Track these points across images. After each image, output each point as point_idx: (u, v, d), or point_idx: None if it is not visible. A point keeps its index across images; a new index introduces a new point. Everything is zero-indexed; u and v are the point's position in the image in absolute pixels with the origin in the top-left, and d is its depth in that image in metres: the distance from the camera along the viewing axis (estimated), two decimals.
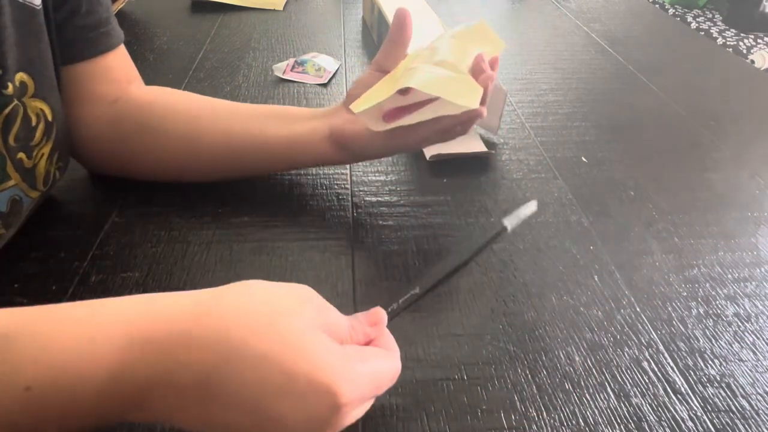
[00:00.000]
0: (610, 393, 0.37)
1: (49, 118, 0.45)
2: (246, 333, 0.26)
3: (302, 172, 0.56)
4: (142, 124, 0.51)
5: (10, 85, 0.41)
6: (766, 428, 0.35)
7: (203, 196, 0.52)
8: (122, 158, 0.52)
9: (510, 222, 0.35)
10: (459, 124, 0.45)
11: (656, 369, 0.39)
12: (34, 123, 0.43)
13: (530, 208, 0.36)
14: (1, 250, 0.45)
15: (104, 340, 0.26)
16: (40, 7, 0.43)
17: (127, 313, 0.27)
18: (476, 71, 0.43)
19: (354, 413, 0.28)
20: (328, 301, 0.31)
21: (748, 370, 0.39)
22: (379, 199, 0.53)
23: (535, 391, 0.37)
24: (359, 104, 0.43)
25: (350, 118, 0.47)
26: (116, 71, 0.52)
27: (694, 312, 0.43)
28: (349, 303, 0.42)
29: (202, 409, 0.25)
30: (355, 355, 0.29)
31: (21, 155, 0.43)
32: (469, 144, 0.62)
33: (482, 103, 0.42)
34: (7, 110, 0.41)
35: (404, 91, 0.43)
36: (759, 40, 2.70)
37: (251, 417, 0.25)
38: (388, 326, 0.33)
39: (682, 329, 0.42)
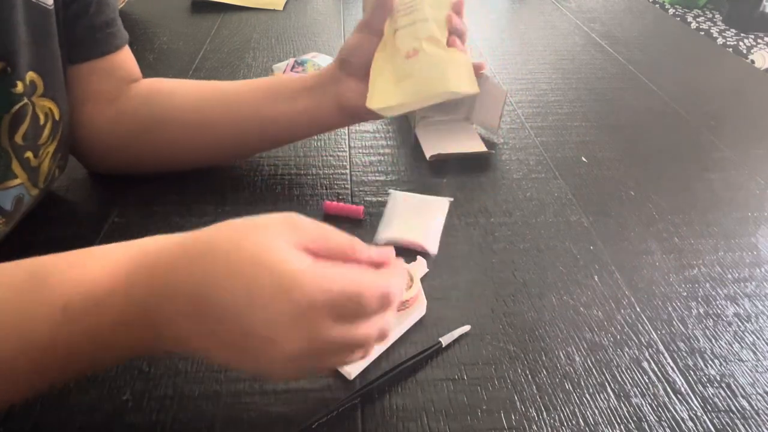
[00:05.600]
0: (610, 393, 0.37)
1: (57, 117, 0.45)
2: (226, 247, 0.28)
3: (303, 173, 0.56)
4: (145, 122, 0.51)
5: (20, 84, 0.41)
6: (766, 428, 0.35)
7: (203, 196, 0.52)
8: (127, 155, 0.52)
9: (444, 339, 0.39)
10: None
11: (656, 369, 0.39)
12: (42, 122, 0.44)
13: (463, 329, 0.40)
14: (2, 249, 0.45)
15: (118, 269, 0.30)
16: (52, 7, 0.43)
17: (132, 248, 0.32)
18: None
19: (333, 333, 0.27)
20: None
21: (748, 370, 0.39)
22: (379, 199, 0.53)
23: (535, 391, 0.37)
24: (373, 100, 0.46)
25: (354, 87, 0.48)
26: (121, 71, 0.52)
27: (694, 312, 0.43)
28: None
29: (202, 326, 0.28)
30: (331, 264, 0.28)
31: (28, 154, 0.43)
32: (469, 144, 0.62)
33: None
34: (15, 108, 0.41)
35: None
36: (759, 40, 2.70)
37: (240, 322, 0.27)
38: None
39: (682, 329, 0.42)
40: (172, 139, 0.51)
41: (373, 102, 0.46)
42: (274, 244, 0.27)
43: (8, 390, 0.29)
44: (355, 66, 0.48)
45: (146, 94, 0.52)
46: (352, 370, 0.37)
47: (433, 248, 0.47)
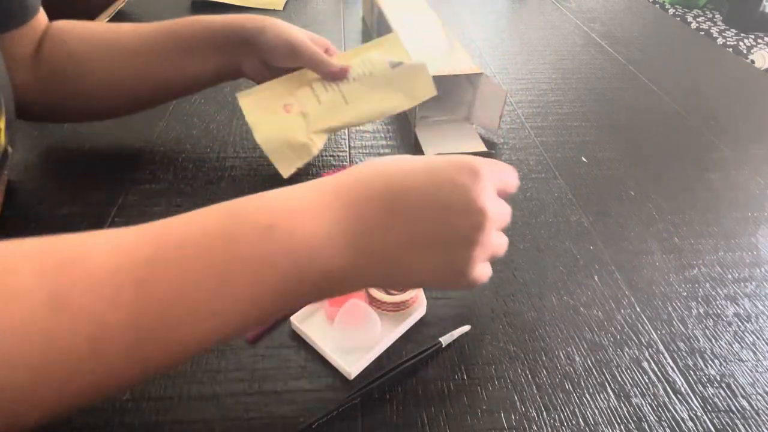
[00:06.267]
0: (610, 393, 0.37)
1: None
2: (393, 168, 0.32)
3: (302, 172, 0.56)
4: (64, 76, 0.52)
5: None
6: (766, 428, 0.35)
7: (203, 196, 0.53)
8: (51, 98, 0.54)
9: (444, 340, 0.39)
10: None
11: (656, 369, 0.39)
12: None
13: (463, 329, 0.40)
14: None
15: (317, 194, 0.31)
16: None
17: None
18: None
19: (492, 213, 0.32)
20: None
21: (748, 370, 0.39)
22: None
23: (535, 391, 0.37)
24: (283, 168, 0.55)
25: (260, 69, 0.55)
26: (35, 32, 0.52)
27: (694, 312, 0.43)
28: None
29: (402, 236, 0.31)
30: None
31: None
32: (469, 144, 0.62)
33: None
34: None
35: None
36: (759, 40, 2.70)
37: (434, 221, 0.31)
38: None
39: (682, 329, 0.42)
40: (90, 96, 0.53)
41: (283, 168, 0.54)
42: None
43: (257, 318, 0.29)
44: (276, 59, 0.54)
45: (59, 36, 0.53)
46: (352, 370, 0.37)
47: None
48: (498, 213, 0.33)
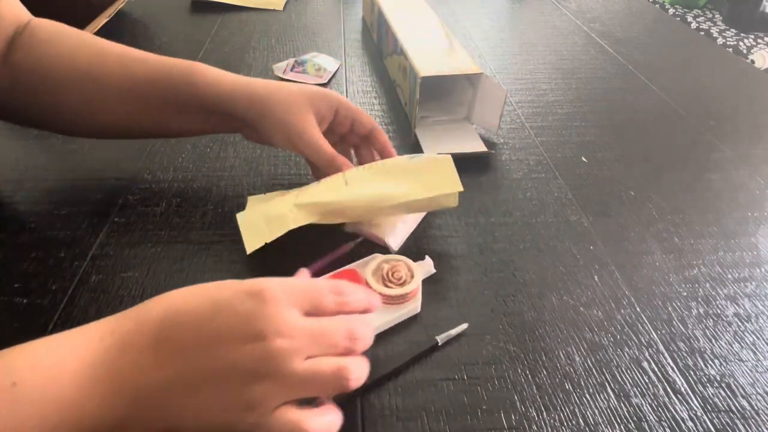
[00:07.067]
0: (610, 393, 0.37)
1: None
2: (177, 295, 0.30)
3: (302, 172, 0.56)
4: (36, 88, 0.47)
5: None
6: (766, 428, 0.35)
7: (204, 197, 0.53)
8: (15, 106, 0.49)
9: (441, 338, 0.39)
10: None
11: (656, 369, 0.39)
12: None
13: (460, 328, 0.40)
14: (1, 250, 0.45)
15: (79, 339, 0.28)
16: None
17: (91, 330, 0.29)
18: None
19: (295, 344, 0.28)
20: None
21: (748, 370, 0.39)
22: None
23: (535, 391, 0.37)
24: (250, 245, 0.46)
25: (261, 138, 0.50)
26: (3, 21, 0.47)
27: (694, 312, 0.43)
28: None
29: (174, 371, 0.27)
30: None
31: None
32: (469, 144, 0.62)
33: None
34: None
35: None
36: (759, 40, 2.71)
37: (206, 353, 0.27)
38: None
39: (682, 329, 0.42)
40: (61, 113, 0.48)
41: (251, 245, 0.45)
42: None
43: None
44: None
45: (43, 63, 0.47)
46: None
47: (394, 244, 0.47)
48: (298, 338, 0.28)
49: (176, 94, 0.48)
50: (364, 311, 0.32)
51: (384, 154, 0.52)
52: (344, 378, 0.28)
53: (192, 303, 0.29)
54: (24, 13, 0.49)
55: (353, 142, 0.54)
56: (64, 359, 0.27)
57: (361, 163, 0.54)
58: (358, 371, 0.29)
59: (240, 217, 0.47)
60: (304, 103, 0.47)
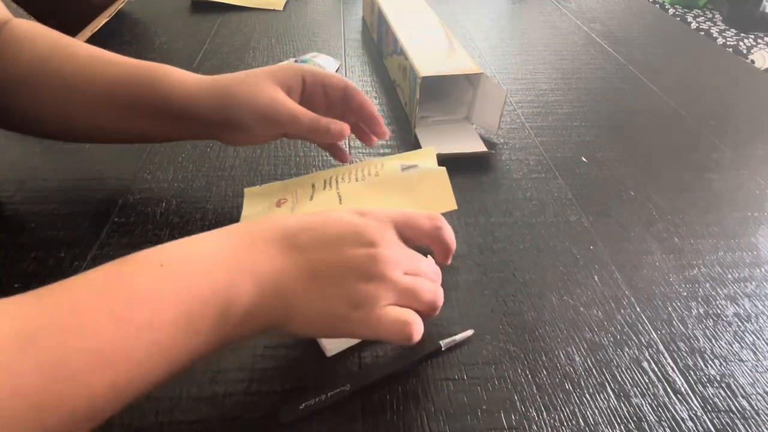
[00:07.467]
0: (610, 393, 0.37)
1: None
2: (290, 217, 0.34)
3: (303, 172, 0.56)
4: (14, 90, 0.46)
5: None
6: (766, 428, 0.35)
7: (204, 197, 0.53)
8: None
9: (445, 343, 0.39)
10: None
11: (656, 369, 0.39)
12: None
13: (465, 334, 0.40)
14: (1, 250, 0.45)
15: (215, 236, 0.32)
16: None
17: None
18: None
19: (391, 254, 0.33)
20: None
21: (748, 370, 0.39)
22: None
23: (535, 391, 0.37)
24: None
25: (242, 137, 0.47)
26: None
27: (694, 312, 0.43)
28: None
29: (293, 259, 0.31)
30: None
31: None
32: (469, 144, 0.62)
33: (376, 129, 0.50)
34: None
35: None
36: (759, 40, 2.71)
37: (325, 251, 0.32)
38: (309, 419, 0.34)
39: (682, 329, 0.42)
40: (40, 120, 0.47)
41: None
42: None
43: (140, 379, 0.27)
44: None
45: (12, 42, 0.46)
46: (331, 347, 0.38)
47: None
48: (400, 254, 0.33)
49: (139, 97, 0.46)
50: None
51: (363, 117, 0.49)
52: (436, 305, 0.34)
53: (308, 218, 0.33)
54: (3, 13, 0.48)
55: (338, 114, 0.50)
56: (205, 248, 0.30)
57: (357, 136, 0.53)
58: (441, 297, 0.35)
59: None
60: (266, 79, 0.45)
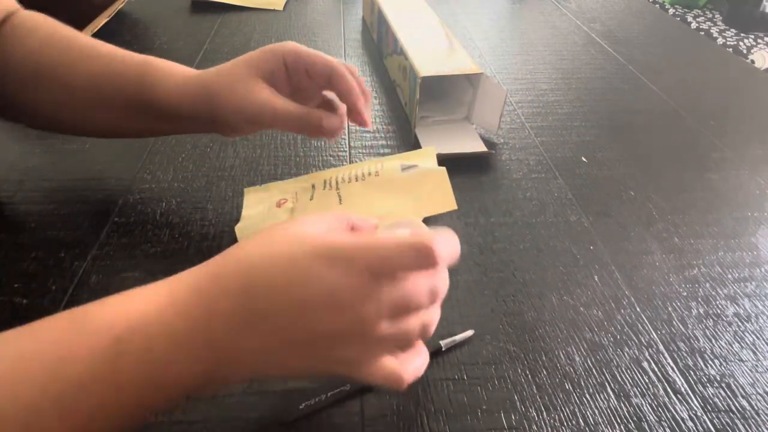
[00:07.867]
0: (610, 393, 0.37)
1: None
2: (255, 259, 0.29)
3: (303, 172, 0.56)
4: (13, 80, 0.46)
5: None
6: (766, 428, 0.35)
7: (204, 197, 0.53)
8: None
9: (445, 343, 0.39)
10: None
11: (656, 369, 0.39)
12: None
13: (465, 334, 0.40)
14: (1, 250, 0.45)
15: (159, 290, 0.29)
16: None
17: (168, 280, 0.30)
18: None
19: (384, 297, 0.27)
20: None
21: (748, 370, 0.39)
22: None
23: (535, 391, 0.37)
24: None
25: (231, 133, 0.46)
26: None
27: (694, 312, 0.43)
28: None
29: (260, 323, 0.27)
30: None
31: None
32: (469, 144, 0.62)
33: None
34: None
35: None
36: (759, 40, 2.71)
37: (298, 320, 0.27)
38: (309, 419, 0.34)
39: (682, 329, 0.42)
40: (36, 114, 0.48)
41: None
42: (309, 228, 0.29)
43: None
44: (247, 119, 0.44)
45: (16, 33, 0.45)
46: None
47: None
48: (382, 301, 0.27)
49: (126, 94, 0.45)
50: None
51: (349, 102, 0.45)
52: (428, 333, 0.30)
53: (274, 273, 0.28)
54: (10, 3, 0.47)
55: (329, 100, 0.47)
56: (163, 328, 0.27)
57: (350, 119, 0.48)
58: (436, 320, 0.31)
59: (238, 231, 0.47)
60: (248, 73, 0.43)
